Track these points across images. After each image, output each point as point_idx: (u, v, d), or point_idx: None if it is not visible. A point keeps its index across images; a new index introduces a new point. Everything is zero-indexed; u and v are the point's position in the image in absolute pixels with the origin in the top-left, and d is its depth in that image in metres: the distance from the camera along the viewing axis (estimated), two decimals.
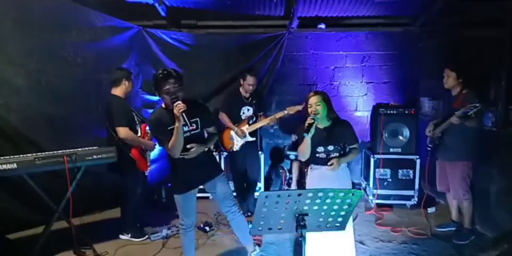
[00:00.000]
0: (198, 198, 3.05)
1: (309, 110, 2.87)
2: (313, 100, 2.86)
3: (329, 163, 2.85)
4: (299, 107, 4.07)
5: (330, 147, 2.90)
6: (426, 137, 3.89)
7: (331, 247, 2.83)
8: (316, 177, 2.95)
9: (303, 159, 2.99)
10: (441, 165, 3.81)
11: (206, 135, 2.96)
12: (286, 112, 4.16)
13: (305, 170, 3.20)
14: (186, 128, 2.73)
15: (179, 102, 2.53)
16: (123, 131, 3.44)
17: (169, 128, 2.66)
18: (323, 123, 2.92)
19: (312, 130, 2.74)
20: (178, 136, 2.59)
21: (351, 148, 2.98)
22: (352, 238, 2.93)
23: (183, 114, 2.57)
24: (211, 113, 3.04)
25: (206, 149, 2.87)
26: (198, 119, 2.79)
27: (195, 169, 2.79)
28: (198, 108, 2.82)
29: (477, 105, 3.18)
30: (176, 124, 2.57)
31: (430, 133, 3.82)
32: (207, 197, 4.51)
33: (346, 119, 3.06)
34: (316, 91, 2.97)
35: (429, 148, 3.85)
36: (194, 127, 2.78)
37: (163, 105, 2.78)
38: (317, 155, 2.92)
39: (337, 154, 2.91)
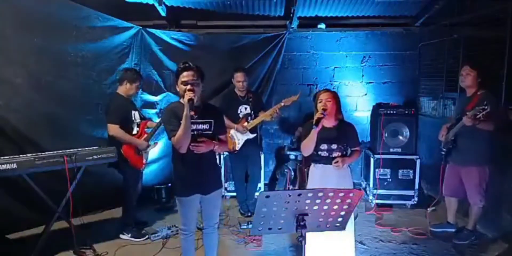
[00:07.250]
0: None
1: (319, 105, 2.86)
2: (325, 96, 2.88)
3: (334, 161, 2.86)
4: (295, 97, 4.06)
5: (334, 146, 2.90)
6: (440, 142, 3.70)
7: (331, 248, 2.83)
8: (319, 176, 2.95)
9: (305, 154, 2.98)
10: (452, 170, 3.65)
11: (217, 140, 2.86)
12: (282, 104, 4.14)
13: (305, 170, 3.18)
14: (200, 126, 2.70)
15: (190, 90, 2.55)
16: (112, 129, 3.51)
17: (181, 121, 2.61)
18: (329, 122, 2.92)
19: (320, 125, 2.73)
20: (186, 124, 2.54)
21: (353, 150, 3.00)
22: (353, 239, 2.93)
23: (194, 106, 2.56)
24: (224, 121, 3.00)
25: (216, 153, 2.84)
26: (212, 121, 2.76)
27: (197, 176, 2.71)
28: (214, 111, 2.81)
29: (486, 108, 3.00)
30: (184, 112, 2.54)
31: (443, 137, 3.64)
32: None
33: (351, 122, 3.07)
34: (328, 89, 3.01)
35: (442, 152, 3.67)
36: (207, 128, 2.74)
37: (180, 100, 2.74)
38: (319, 152, 2.92)
39: (339, 154, 2.92)
